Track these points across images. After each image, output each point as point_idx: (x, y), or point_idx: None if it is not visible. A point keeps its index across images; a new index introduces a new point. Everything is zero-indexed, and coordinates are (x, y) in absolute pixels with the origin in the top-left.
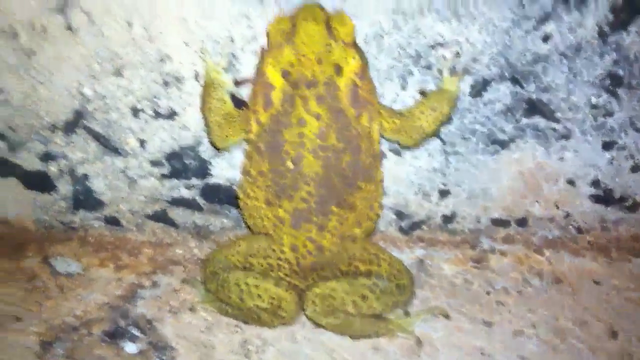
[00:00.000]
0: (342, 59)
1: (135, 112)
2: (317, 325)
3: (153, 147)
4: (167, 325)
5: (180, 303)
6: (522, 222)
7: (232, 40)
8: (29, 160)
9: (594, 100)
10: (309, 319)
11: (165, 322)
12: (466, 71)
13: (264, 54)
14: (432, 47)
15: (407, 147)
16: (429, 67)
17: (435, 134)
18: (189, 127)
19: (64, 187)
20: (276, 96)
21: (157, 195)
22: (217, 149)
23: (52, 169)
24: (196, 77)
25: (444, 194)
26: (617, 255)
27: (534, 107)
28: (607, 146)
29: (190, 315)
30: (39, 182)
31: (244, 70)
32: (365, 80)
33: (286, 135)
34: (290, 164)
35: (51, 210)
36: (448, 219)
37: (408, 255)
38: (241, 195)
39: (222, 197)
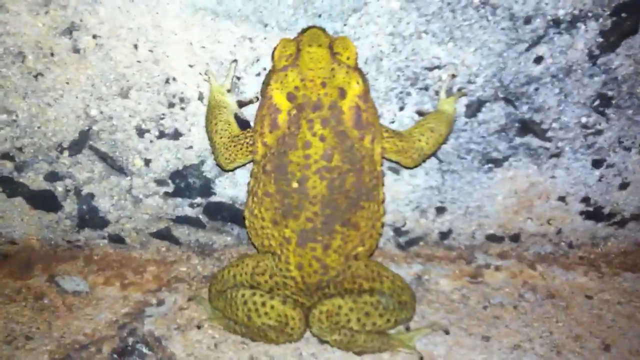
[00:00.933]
0: (346, 82)
1: (141, 132)
2: (322, 341)
3: (158, 167)
4: (175, 342)
5: (187, 320)
6: (515, 238)
7: (236, 62)
8: (35, 180)
9: (584, 120)
10: (315, 335)
11: (173, 339)
12: (462, 92)
13: (269, 78)
14: (429, 69)
15: (407, 167)
16: (426, 88)
17: (434, 153)
18: (193, 146)
19: (70, 207)
20: (282, 119)
21: (161, 213)
22: (223, 170)
23: (59, 188)
24: (200, 98)
25: (440, 211)
26: (607, 270)
27: (526, 127)
28: (596, 164)
29: (197, 333)
30: (45, 202)
31: (248, 92)
32: (368, 103)
33: (292, 156)
34: (295, 185)
35: (57, 229)
36: (444, 235)
37: (406, 271)
38: (247, 215)
39: (225, 215)
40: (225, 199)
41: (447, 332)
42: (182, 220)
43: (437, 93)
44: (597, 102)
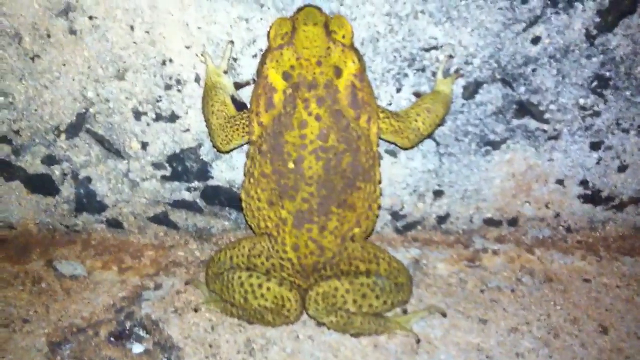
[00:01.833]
0: (342, 61)
1: (138, 115)
2: (319, 323)
3: (155, 150)
4: (173, 326)
5: (185, 304)
6: (513, 222)
7: (233, 44)
8: (33, 164)
9: (582, 101)
10: (312, 317)
11: (171, 323)
12: (459, 73)
13: (265, 57)
14: (426, 50)
15: (404, 148)
16: (423, 69)
17: (431, 134)
18: (190, 129)
19: (68, 191)
20: (278, 98)
21: (159, 197)
22: (220, 152)
23: (56, 172)
24: (197, 80)
25: (438, 194)
26: (605, 254)
27: (524, 109)
28: (595, 147)
29: (194, 316)
30: (43, 186)
31: (244, 74)
32: (363, 83)
33: (288, 137)
34: (292, 165)
35: (55, 214)
36: (442, 219)
37: (404, 255)
38: (244, 197)
39: (223, 199)
40: (223, 183)
41: (444, 315)
42: (179, 204)
43: (434, 74)
44: (595, 84)
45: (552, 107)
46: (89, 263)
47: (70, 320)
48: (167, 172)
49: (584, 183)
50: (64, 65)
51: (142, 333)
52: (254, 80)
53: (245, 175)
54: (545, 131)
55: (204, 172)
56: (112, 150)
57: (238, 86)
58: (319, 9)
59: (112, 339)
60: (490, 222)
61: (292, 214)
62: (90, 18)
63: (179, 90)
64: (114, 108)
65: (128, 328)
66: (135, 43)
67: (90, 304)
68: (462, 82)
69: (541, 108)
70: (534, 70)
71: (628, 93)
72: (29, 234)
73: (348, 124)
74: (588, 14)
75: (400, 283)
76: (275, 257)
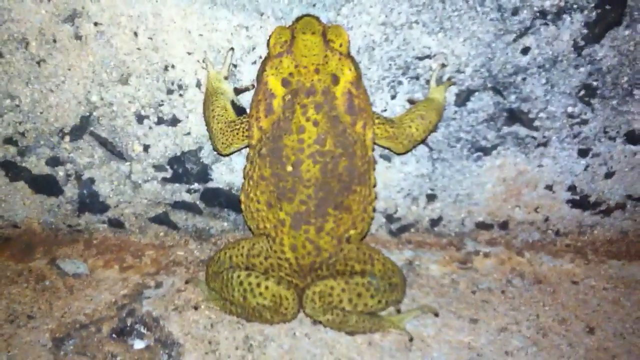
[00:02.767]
0: (339, 69)
1: (140, 118)
2: (316, 321)
3: (156, 152)
4: (173, 322)
5: (185, 302)
6: (504, 226)
7: (233, 50)
8: (37, 165)
9: (570, 109)
10: (308, 315)
11: (171, 320)
12: (451, 81)
13: (264, 64)
14: (420, 58)
15: (398, 153)
16: (417, 77)
17: (424, 140)
18: (191, 132)
19: (71, 191)
20: (277, 104)
21: (159, 198)
22: (220, 155)
23: (60, 173)
24: (198, 85)
25: (431, 198)
26: (593, 257)
27: (514, 116)
28: (582, 153)
29: (194, 313)
30: (47, 186)
31: (244, 79)
32: (359, 90)
33: (286, 140)
34: (290, 168)
35: (58, 214)
36: (435, 222)
37: (398, 257)
38: (243, 198)
39: (222, 200)
40: (222, 185)
41: (436, 315)
42: (180, 205)
43: (427, 82)
44: (582, 93)
45: (541, 114)
46: (91, 261)
47: (73, 316)
48: (168, 174)
49: (572, 188)
50: (69, 69)
51: (143, 329)
52: (253, 86)
53: (244, 177)
54: (534, 138)
55: (203, 174)
56: (115, 152)
57: (238, 91)
58: (317, 18)
59: (114, 335)
60: (481, 225)
61: (289, 215)
62: (95, 24)
63: (181, 95)
64: (117, 111)
65: (129, 324)
66: (138, 49)
67: (92, 301)
68: (454, 89)
69: (531, 115)
70: (523, 79)
71: (614, 102)
72: (32, 232)
73: (344, 129)
74: (576, 26)
75: (394, 283)
76: (273, 257)
